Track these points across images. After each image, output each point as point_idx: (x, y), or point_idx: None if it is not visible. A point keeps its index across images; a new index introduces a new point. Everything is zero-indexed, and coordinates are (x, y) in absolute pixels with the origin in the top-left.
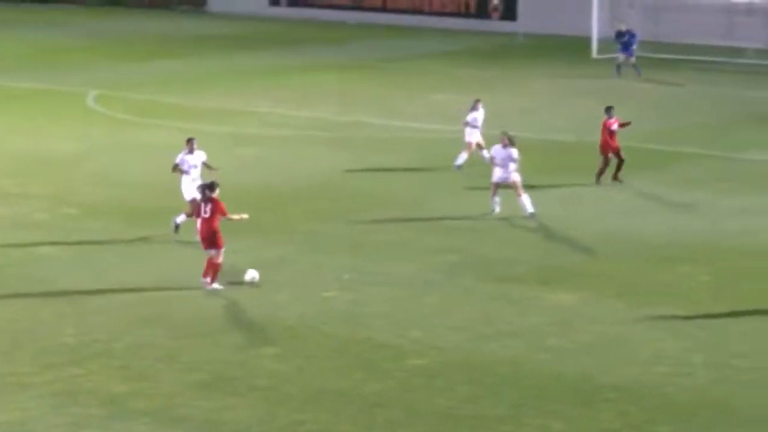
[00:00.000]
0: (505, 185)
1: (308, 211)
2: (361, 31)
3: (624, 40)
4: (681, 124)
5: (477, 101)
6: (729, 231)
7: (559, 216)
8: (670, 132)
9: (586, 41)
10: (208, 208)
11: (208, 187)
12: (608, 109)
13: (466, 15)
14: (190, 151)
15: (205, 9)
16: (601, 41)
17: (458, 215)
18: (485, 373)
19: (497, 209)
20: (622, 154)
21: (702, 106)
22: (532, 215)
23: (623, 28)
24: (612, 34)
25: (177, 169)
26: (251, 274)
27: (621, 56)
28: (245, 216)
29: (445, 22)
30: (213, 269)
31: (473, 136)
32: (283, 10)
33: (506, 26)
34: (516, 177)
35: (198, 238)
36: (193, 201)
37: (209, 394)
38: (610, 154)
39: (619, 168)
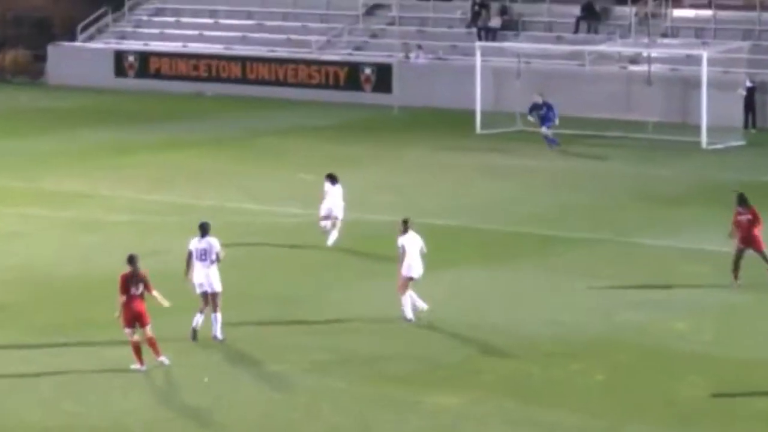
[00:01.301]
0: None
1: (162, 306)
2: (219, 104)
3: (541, 113)
4: (569, 205)
5: (328, 176)
6: (621, 325)
7: (437, 308)
8: (556, 214)
9: (469, 115)
10: (140, 283)
11: (134, 260)
12: (739, 198)
13: (336, 86)
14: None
15: (43, 80)
16: (485, 115)
17: (328, 310)
18: None
19: (409, 314)
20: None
21: (592, 185)
22: (411, 320)
23: (539, 99)
24: (497, 107)
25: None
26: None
27: (544, 129)
28: (166, 303)
29: (312, 94)
30: (153, 344)
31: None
32: (130, 82)
33: (380, 98)
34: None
35: (128, 318)
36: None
37: None
38: (745, 246)
39: None
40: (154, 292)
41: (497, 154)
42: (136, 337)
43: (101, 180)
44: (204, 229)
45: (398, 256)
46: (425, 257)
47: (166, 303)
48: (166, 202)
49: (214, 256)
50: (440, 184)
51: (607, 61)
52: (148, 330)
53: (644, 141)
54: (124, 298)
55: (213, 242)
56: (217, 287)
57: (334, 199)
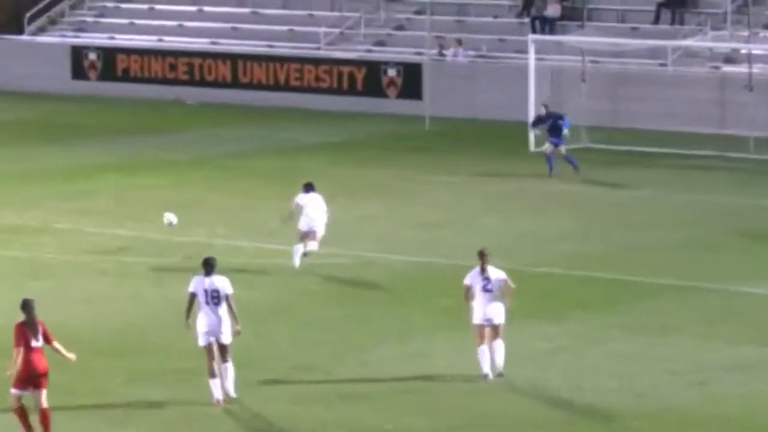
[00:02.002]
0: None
1: (127, 371)
2: (204, 114)
3: (544, 127)
4: (646, 244)
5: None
6: (717, 395)
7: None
8: (630, 254)
9: (521, 128)
10: (40, 333)
11: (30, 306)
12: None
13: (351, 92)
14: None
15: None
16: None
17: (349, 371)
18: None
19: (488, 371)
20: None
21: (677, 218)
22: (486, 376)
23: (543, 111)
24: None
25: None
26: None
27: (548, 146)
28: (72, 356)
29: (321, 102)
30: (46, 419)
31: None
32: (92, 86)
33: (407, 107)
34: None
35: (24, 377)
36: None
37: None
38: None
39: None
40: (56, 344)
41: (555, 178)
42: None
43: (54, 211)
44: (211, 266)
45: (464, 297)
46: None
47: (71, 356)
48: (136, 239)
49: (223, 297)
50: (483, 217)
51: (695, 60)
52: (44, 398)
53: (743, 162)
54: (20, 350)
55: (224, 282)
56: (228, 338)
57: (314, 211)
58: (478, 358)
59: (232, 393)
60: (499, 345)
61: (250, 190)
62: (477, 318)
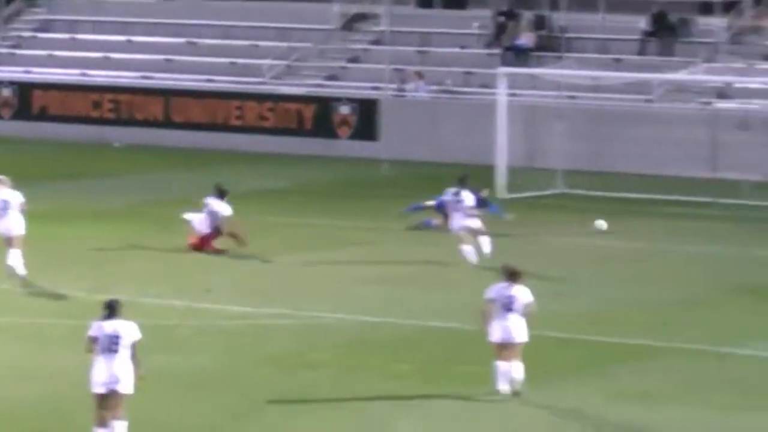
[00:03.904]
0: None
1: None
2: (133, 156)
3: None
4: (632, 302)
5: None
6: None
7: None
8: (614, 313)
9: (490, 172)
10: None
11: None
12: None
13: (299, 132)
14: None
15: None
16: (513, 172)
17: None
18: None
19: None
20: None
21: (666, 272)
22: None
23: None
24: (530, 160)
25: None
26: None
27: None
28: None
29: (265, 144)
30: None
31: None
32: (5, 125)
33: (362, 149)
34: None
35: None
36: None
37: None
38: None
39: None
40: None
41: (529, 227)
42: None
43: None
44: (112, 309)
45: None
46: None
47: None
48: (54, 296)
49: (126, 344)
50: (452, 274)
51: (684, 96)
52: None
53: (739, 209)
54: None
55: (128, 328)
56: (127, 387)
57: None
58: (494, 373)
59: None
60: (518, 366)
61: (181, 243)
62: (495, 336)
